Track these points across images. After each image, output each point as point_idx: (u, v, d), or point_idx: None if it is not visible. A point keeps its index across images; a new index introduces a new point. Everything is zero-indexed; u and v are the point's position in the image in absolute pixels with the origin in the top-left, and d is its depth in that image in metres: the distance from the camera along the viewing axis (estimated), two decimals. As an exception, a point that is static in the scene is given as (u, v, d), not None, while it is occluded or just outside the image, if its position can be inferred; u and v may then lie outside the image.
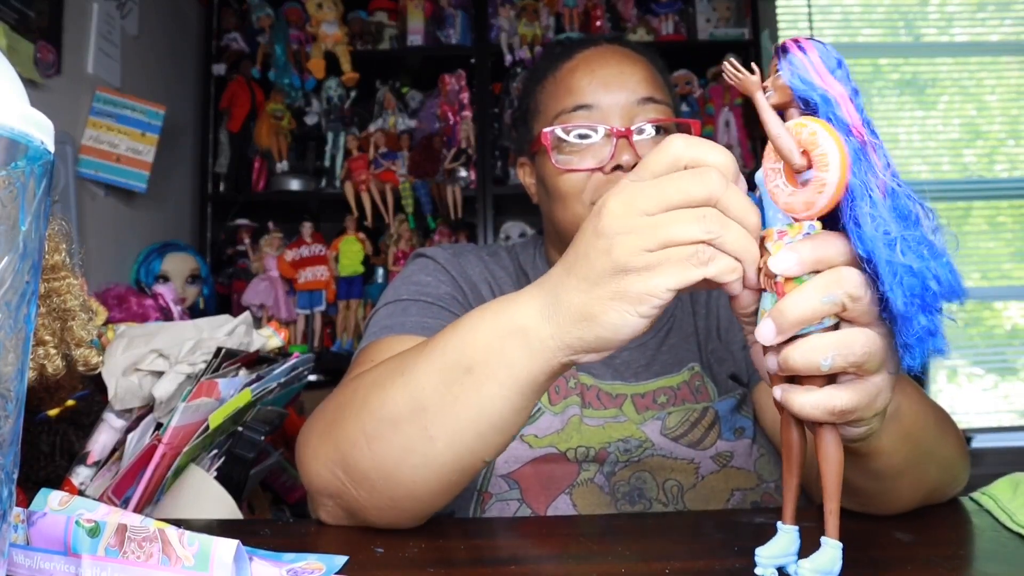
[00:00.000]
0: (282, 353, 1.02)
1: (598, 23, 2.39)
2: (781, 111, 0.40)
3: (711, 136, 2.33)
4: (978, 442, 2.41)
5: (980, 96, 2.82)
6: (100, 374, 0.82)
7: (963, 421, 2.59)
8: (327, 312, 2.32)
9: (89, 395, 0.87)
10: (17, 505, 0.39)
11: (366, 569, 0.48)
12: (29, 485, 0.78)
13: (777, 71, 0.40)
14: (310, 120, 2.41)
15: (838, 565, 0.39)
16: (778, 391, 0.40)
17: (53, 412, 0.81)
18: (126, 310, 1.39)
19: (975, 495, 0.63)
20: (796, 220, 0.40)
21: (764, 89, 0.40)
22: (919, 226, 0.37)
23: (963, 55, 2.83)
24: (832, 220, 0.39)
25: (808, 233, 0.39)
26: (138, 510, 0.75)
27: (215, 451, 0.87)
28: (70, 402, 0.82)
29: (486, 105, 2.38)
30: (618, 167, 0.76)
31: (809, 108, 0.39)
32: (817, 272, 0.38)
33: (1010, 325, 2.76)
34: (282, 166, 2.37)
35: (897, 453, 0.50)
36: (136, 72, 1.97)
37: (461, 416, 0.49)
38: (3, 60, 0.30)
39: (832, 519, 0.40)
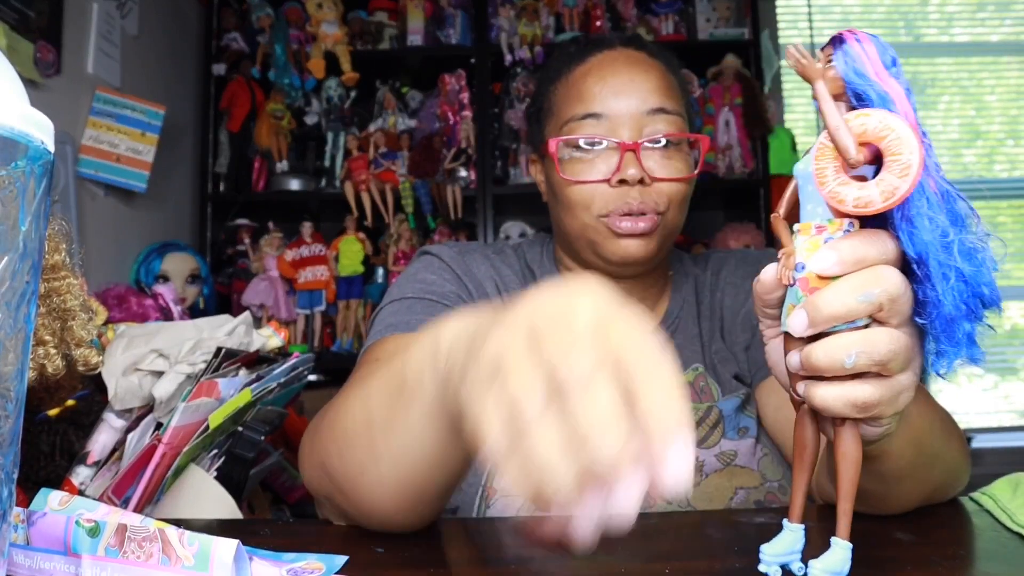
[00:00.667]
0: (282, 353, 1.02)
1: (598, 23, 2.39)
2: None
3: (711, 136, 2.33)
4: (978, 442, 2.41)
5: (980, 96, 2.82)
6: (100, 374, 0.82)
7: (963, 421, 2.59)
8: (327, 312, 2.32)
9: (89, 395, 0.87)
10: (17, 505, 0.39)
11: (366, 569, 0.48)
12: (29, 485, 0.78)
13: (830, 61, 0.39)
14: (310, 120, 2.41)
15: (847, 566, 0.39)
16: (801, 386, 0.40)
17: (53, 412, 0.81)
18: (126, 310, 1.39)
19: (975, 495, 0.63)
20: (840, 215, 0.38)
21: (827, 78, 0.39)
22: (970, 230, 0.37)
23: (963, 55, 2.83)
24: (871, 220, 0.38)
25: (848, 230, 0.38)
26: (138, 510, 0.75)
27: (215, 451, 0.87)
28: (70, 402, 0.82)
29: (486, 105, 2.38)
30: (623, 181, 0.76)
31: (861, 103, 0.38)
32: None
33: (1010, 325, 2.76)
34: (282, 166, 2.37)
35: (904, 456, 0.50)
36: (136, 72, 1.97)
37: (397, 437, 0.46)
38: (3, 60, 0.30)
39: (844, 519, 0.39)
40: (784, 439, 0.76)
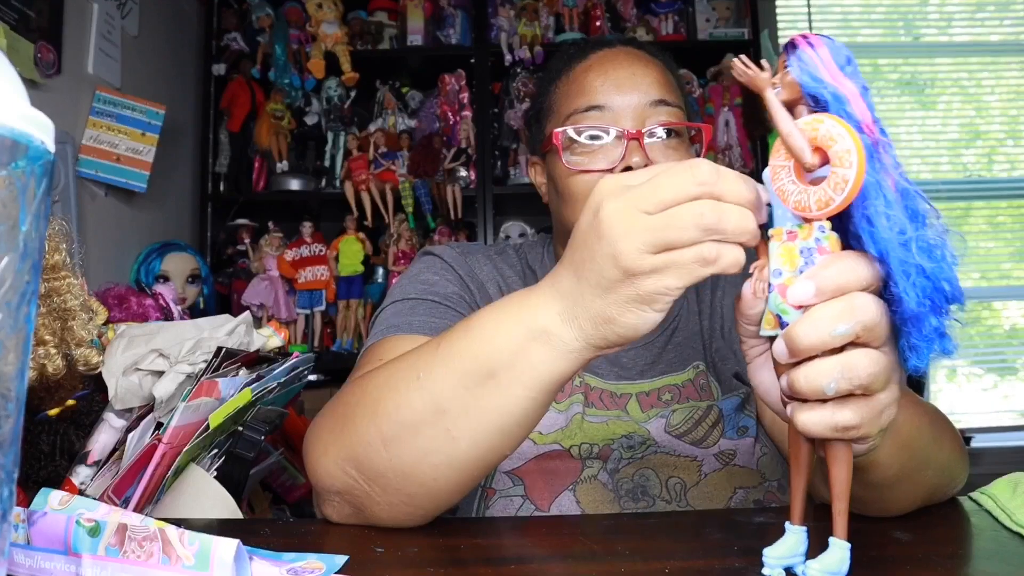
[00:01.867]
0: (282, 353, 1.02)
1: (598, 23, 2.39)
2: (789, 108, 0.40)
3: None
4: (977, 442, 2.41)
5: (979, 96, 2.82)
6: (100, 374, 0.82)
7: (962, 421, 2.59)
8: (327, 312, 2.32)
9: (89, 395, 0.87)
10: (18, 505, 0.39)
11: (366, 569, 0.48)
12: (30, 485, 0.79)
13: (786, 67, 0.39)
14: (310, 120, 2.41)
15: (846, 565, 0.39)
16: (789, 408, 0.41)
17: (53, 412, 0.81)
18: (126, 310, 1.39)
19: (974, 495, 0.63)
20: (806, 220, 0.39)
21: (773, 85, 0.40)
22: (929, 226, 0.37)
23: (963, 55, 2.83)
24: (837, 219, 0.39)
25: (820, 233, 0.39)
26: (138, 509, 0.75)
27: (215, 451, 0.87)
28: (70, 402, 0.82)
29: (486, 105, 2.38)
30: (628, 169, 0.75)
31: (819, 105, 0.39)
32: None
33: (1009, 325, 2.76)
34: (282, 166, 2.37)
35: (893, 464, 0.50)
36: (136, 72, 1.97)
37: (484, 418, 0.50)
38: (3, 60, 0.30)
39: (840, 519, 0.40)
40: (783, 438, 0.76)
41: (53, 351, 0.58)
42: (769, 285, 0.40)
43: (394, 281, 2.12)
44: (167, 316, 1.51)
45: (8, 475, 0.29)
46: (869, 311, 0.37)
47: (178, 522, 0.46)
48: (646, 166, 0.75)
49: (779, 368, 0.41)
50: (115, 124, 1.79)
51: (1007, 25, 2.83)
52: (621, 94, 0.78)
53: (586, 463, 0.75)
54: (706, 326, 0.85)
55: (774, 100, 0.39)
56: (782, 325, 0.39)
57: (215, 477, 0.82)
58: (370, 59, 2.40)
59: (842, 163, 0.37)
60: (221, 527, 0.61)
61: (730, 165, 2.34)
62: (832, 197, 0.37)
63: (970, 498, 0.64)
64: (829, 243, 0.39)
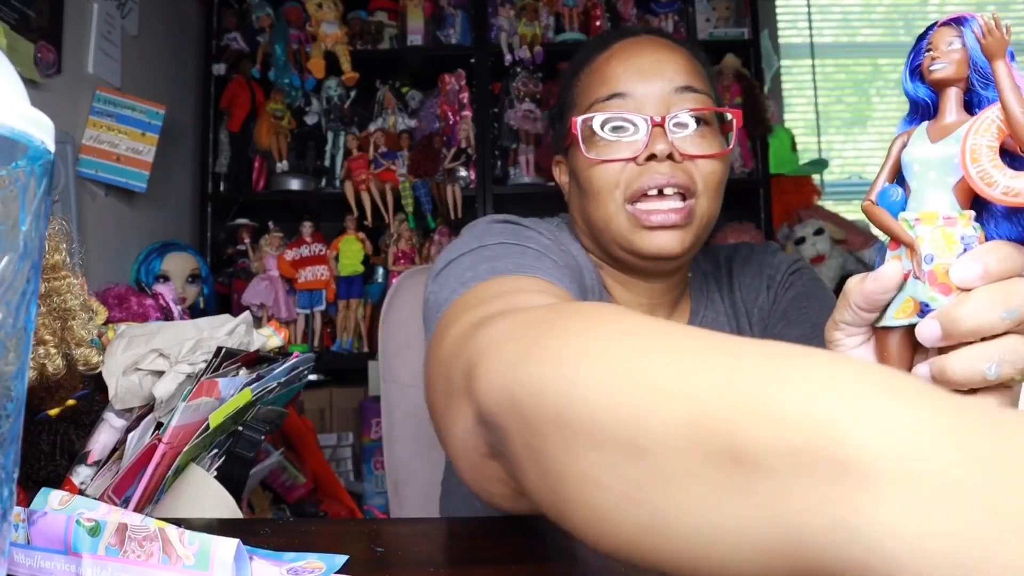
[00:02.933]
0: (282, 353, 1.02)
1: (598, 23, 2.39)
2: (947, 86, 0.38)
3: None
4: (978, 442, 2.40)
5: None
6: (100, 373, 0.82)
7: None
8: (327, 312, 2.32)
9: (89, 394, 0.87)
10: (18, 504, 0.39)
11: (366, 569, 0.48)
12: (30, 484, 0.79)
13: (950, 43, 0.37)
14: (310, 120, 2.41)
15: None
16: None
17: (53, 411, 0.81)
18: (126, 310, 1.39)
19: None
20: (967, 205, 0.37)
21: (934, 59, 0.37)
22: None
23: (963, 55, 2.83)
24: (976, 207, 0.37)
25: (975, 222, 0.38)
26: (138, 509, 0.75)
27: (215, 450, 0.87)
28: (70, 401, 0.82)
29: (486, 105, 2.38)
30: (652, 156, 0.71)
31: (980, 85, 0.37)
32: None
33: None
34: (282, 166, 2.37)
35: None
36: (136, 72, 1.97)
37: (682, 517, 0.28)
38: (3, 60, 0.30)
39: None
40: None
41: (53, 351, 0.58)
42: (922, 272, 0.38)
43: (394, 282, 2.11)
44: (167, 316, 1.51)
45: (8, 475, 0.29)
46: None
47: (178, 522, 0.46)
48: (670, 155, 0.71)
49: (895, 362, 0.39)
50: (115, 124, 1.79)
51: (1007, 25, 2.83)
52: (644, 81, 0.74)
53: None
54: (733, 326, 0.83)
55: (1006, 72, 0.36)
56: (922, 314, 0.38)
57: (215, 477, 0.82)
58: (370, 59, 2.40)
59: None
60: (221, 527, 0.61)
61: (730, 165, 2.34)
62: None
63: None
64: (982, 233, 0.38)
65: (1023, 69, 0.36)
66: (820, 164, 2.55)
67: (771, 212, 2.40)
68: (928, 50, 0.39)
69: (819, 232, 2.29)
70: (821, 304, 0.79)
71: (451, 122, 2.37)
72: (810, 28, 2.80)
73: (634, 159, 0.73)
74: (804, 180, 2.51)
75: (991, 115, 0.36)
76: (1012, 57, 0.36)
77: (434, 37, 2.44)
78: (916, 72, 0.41)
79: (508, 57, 2.35)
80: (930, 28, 0.39)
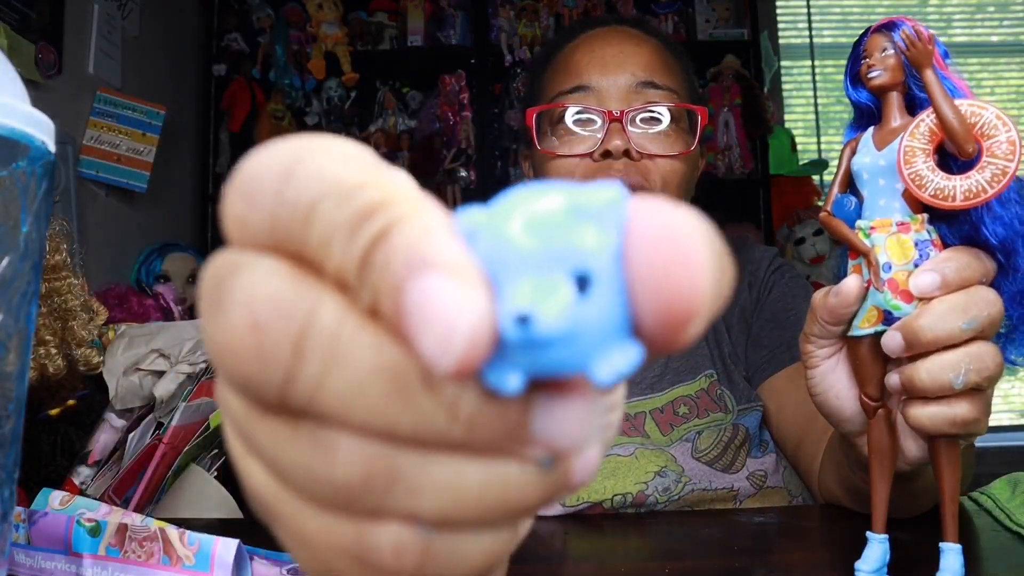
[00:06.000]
0: (282, 353, 1.02)
1: (598, 23, 2.39)
2: (885, 92, 0.38)
3: (710, 136, 2.33)
4: (978, 441, 2.40)
5: (979, 96, 2.81)
6: (101, 374, 0.82)
7: (963, 421, 2.59)
8: (327, 312, 2.32)
9: (90, 395, 0.87)
10: (18, 504, 0.39)
11: (366, 568, 0.48)
12: (30, 485, 0.79)
13: (884, 50, 0.37)
14: (310, 120, 2.42)
15: (963, 568, 0.38)
16: (900, 406, 0.39)
17: (54, 412, 0.81)
18: (127, 310, 1.39)
19: (974, 495, 0.63)
20: (915, 208, 0.37)
21: (870, 67, 0.37)
22: None
23: (962, 56, 2.83)
24: (929, 209, 0.37)
25: (930, 225, 0.37)
26: (139, 509, 0.76)
27: (216, 451, 0.87)
28: (71, 402, 0.82)
29: (486, 105, 2.38)
30: (607, 153, 0.70)
31: (914, 91, 0.37)
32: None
33: (1010, 325, 2.76)
34: (282, 166, 2.37)
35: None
36: (137, 72, 1.97)
37: None
38: (4, 60, 0.30)
39: (952, 523, 0.38)
40: (781, 438, 0.75)
41: (54, 351, 0.58)
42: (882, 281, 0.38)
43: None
44: (168, 316, 1.51)
45: (9, 475, 0.29)
46: (996, 304, 0.36)
47: (178, 522, 0.46)
48: (626, 152, 0.69)
49: (867, 369, 0.39)
50: (116, 124, 1.79)
51: (1006, 26, 2.83)
52: (607, 74, 0.72)
53: (620, 514, 0.67)
54: (711, 329, 0.81)
55: (935, 79, 0.36)
56: (887, 322, 0.38)
57: (215, 477, 0.82)
58: (370, 59, 2.40)
59: (1003, 154, 0.35)
60: (221, 527, 0.61)
61: (729, 165, 2.34)
62: (985, 188, 0.35)
63: (970, 498, 0.64)
64: (936, 236, 0.38)
65: (961, 68, 0.37)
66: (820, 165, 2.55)
67: (771, 213, 2.40)
68: (864, 57, 0.39)
69: (818, 233, 2.29)
70: (806, 303, 0.79)
71: (451, 123, 2.37)
72: (810, 29, 2.80)
73: (590, 155, 0.71)
74: (804, 181, 2.51)
75: (926, 118, 0.37)
76: (947, 55, 0.37)
77: (434, 38, 2.44)
78: (857, 78, 0.41)
79: (508, 58, 2.35)
80: (865, 34, 0.40)
